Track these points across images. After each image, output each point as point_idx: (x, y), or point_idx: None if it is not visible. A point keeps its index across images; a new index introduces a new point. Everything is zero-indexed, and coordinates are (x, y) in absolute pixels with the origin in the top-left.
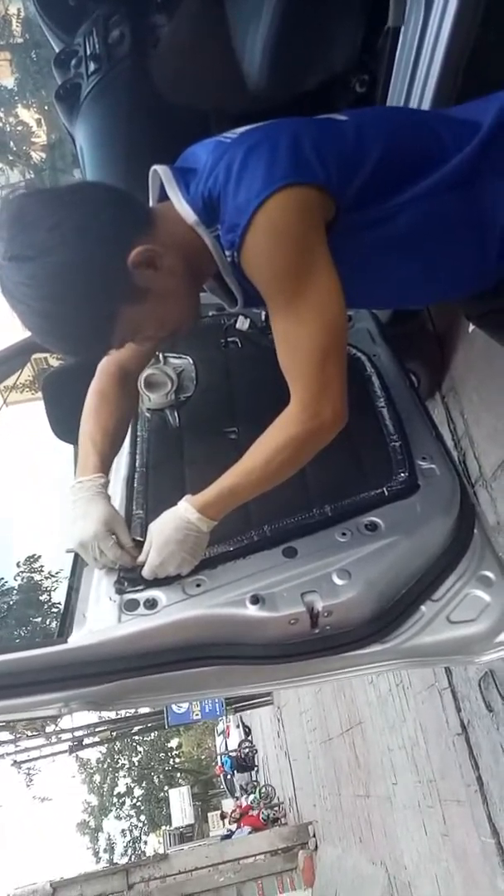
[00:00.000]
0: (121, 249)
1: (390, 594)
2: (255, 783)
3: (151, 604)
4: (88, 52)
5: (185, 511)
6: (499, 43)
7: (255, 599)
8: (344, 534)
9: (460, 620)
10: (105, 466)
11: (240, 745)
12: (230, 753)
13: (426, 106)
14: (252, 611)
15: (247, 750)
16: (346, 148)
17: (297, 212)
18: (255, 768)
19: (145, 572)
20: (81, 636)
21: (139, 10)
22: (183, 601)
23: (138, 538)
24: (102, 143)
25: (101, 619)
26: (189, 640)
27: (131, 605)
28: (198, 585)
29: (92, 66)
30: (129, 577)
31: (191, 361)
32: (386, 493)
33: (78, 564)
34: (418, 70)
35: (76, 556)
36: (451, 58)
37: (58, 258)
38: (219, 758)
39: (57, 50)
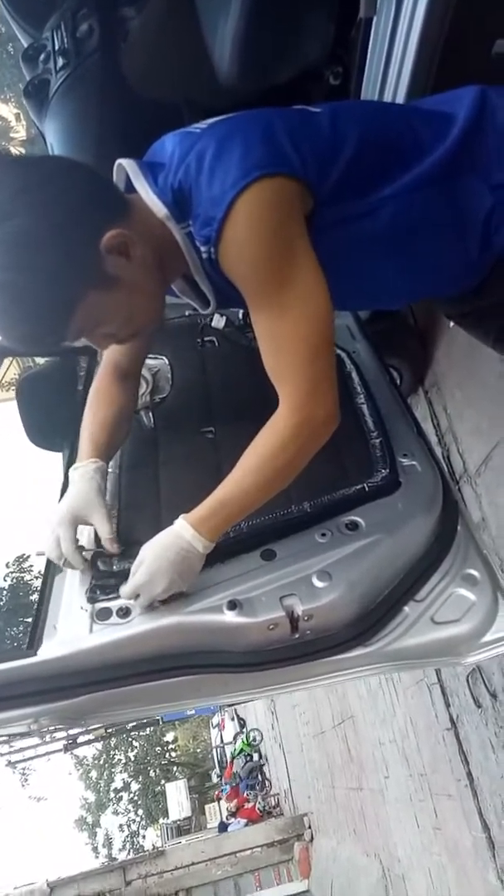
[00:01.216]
0: (94, 229)
1: (372, 595)
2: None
3: (125, 612)
4: (57, 47)
5: (180, 528)
6: (473, 33)
7: (233, 605)
8: (324, 534)
9: (445, 621)
10: (100, 452)
11: (235, 738)
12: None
13: (401, 96)
14: (229, 617)
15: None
16: (322, 139)
17: (276, 202)
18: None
19: (126, 591)
20: (51, 648)
21: (108, 3)
22: (157, 609)
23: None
24: (72, 140)
25: (73, 630)
26: (165, 650)
27: (104, 615)
28: None
29: (60, 62)
30: (101, 585)
31: (166, 361)
32: (367, 490)
33: (49, 572)
34: (392, 61)
35: (48, 563)
36: (424, 48)
37: (21, 224)
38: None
39: (25, 45)
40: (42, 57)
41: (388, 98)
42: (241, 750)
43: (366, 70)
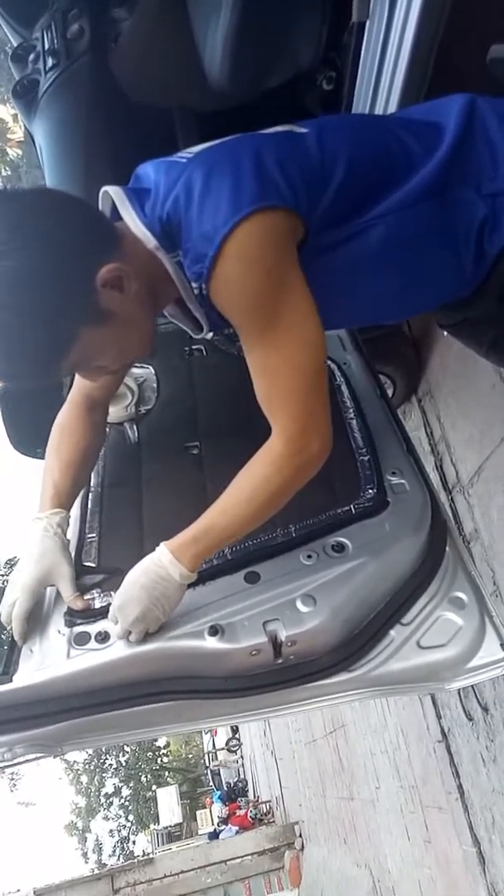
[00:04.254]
0: (89, 265)
1: (358, 619)
2: (245, 783)
3: (103, 637)
4: (46, 47)
5: (160, 555)
6: (468, 37)
7: (214, 630)
8: (310, 556)
9: (431, 646)
10: (63, 501)
11: (227, 743)
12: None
13: (394, 101)
14: (211, 643)
15: (236, 780)
16: (311, 164)
17: (268, 239)
18: (247, 793)
19: (109, 616)
20: (27, 674)
21: (99, 3)
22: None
23: (89, 565)
24: (61, 142)
25: (50, 655)
26: (144, 675)
27: (82, 639)
28: None
29: (50, 62)
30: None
31: (152, 371)
32: (354, 511)
33: None
34: (385, 65)
35: None
36: (418, 52)
37: (16, 264)
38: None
39: (15, 44)
40: (32, 57)
41: (380, 103)
42: None
43: (359, 75)
